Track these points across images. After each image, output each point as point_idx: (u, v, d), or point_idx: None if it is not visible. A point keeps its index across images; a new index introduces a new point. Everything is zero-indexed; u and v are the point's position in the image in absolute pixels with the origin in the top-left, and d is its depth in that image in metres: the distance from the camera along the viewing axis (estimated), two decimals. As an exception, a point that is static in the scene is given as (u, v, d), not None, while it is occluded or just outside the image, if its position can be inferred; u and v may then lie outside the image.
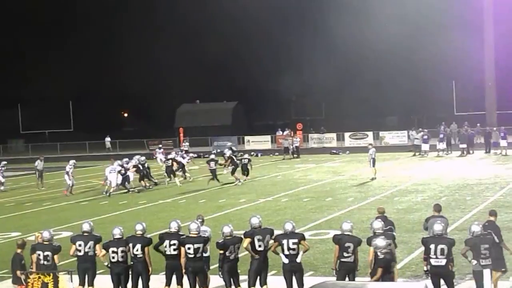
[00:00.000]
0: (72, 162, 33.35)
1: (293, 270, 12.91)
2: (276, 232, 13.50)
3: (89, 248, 13.45)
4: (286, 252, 12.89)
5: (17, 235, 21.41)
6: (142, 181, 33.29)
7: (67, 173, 32.69)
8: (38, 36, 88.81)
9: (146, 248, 13.19)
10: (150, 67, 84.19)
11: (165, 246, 13.19)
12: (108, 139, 63.46)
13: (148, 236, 13.65)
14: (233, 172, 33.59)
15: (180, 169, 35.59)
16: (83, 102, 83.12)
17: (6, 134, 76.70)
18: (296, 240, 12.94)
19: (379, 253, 12.09)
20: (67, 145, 65.39)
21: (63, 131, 74.37)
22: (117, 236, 13.33)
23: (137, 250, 13.18)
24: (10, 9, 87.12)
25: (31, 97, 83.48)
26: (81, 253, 13.45)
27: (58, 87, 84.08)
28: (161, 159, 42.02)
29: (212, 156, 34.33)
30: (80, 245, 13.46)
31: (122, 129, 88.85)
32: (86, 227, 13.72)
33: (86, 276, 13.41)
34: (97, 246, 13.55)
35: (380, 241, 12.19)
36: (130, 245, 13.23)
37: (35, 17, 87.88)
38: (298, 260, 12.91)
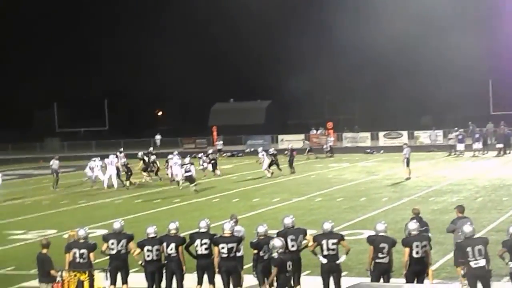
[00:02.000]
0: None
1: (331, 271, 12.82)
2: (310, 232, 13.44)
3: (122, 246, 13.53)
4: (326, 253, 12.80)
5: (52, 232, 21.64)
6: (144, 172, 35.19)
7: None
8: (73, 35, 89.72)
9: (179, 247, 13.22)
10: (185, 66, 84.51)
11: (196, 246, 13.21)
12: (158, 136, 63.15)
13: (181, 235, 13.67)
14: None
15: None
16: (118, 101, 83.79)
17: (42, 133, 77.69)
18: (335, 241, 12.85)
19: (275, 253, 12.13)
20: (102, 143, 65.91)
21: (98, 130, 75.07)
22: (152, 235, 13.36)
23: (171, 249, 13.20)
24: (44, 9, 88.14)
25: (67, 96, 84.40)
26: (114, 252, 13.51)
27: (94, 86, 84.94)
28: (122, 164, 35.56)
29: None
30: (112, 244, 13.53)
31: (157, 128, 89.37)
32: (117, 225, 13.81)
33: (119, 275, 13.48)
34: (130, 244, 13.62)
35: (277, 241, 12.26)
36: (164, 244, 13.25)
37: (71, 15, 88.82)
38: (339, 261, 12.84)
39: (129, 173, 34.07)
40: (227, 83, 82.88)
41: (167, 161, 35.44)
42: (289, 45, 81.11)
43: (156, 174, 36.34)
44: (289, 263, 12.22)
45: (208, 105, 78.31)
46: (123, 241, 13.56)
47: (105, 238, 13.71)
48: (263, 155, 36.39)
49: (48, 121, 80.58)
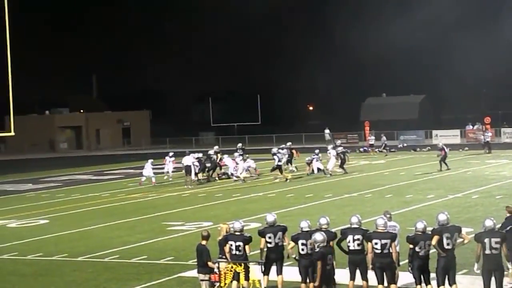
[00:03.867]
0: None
1: (493, 270, 12.33)
2: (465, 230, 13.07)
3: (278, 238, 13.73)
4: (488, 252, 12.32)
5: (208, 225, 22.30)
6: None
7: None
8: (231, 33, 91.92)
9: (331, 242, 13.24)
10: (335, 61, 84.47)
11: (348, 241, 13.17)
12: (327, 131, 63.01)
13: (333, 230, 13.69)
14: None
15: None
16: (270, 96, 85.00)
17: (198, 127, 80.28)
18: (499, 240, 12.36)
19: (316, 247, 12.63)
20: (255, 137, 67.11)
21: (251, 124, 76.55)
22: (306, 229, 13.48)
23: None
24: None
25: (222, 92, 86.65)
26: (272, 245, 13.70)
27: (247, 81, 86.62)
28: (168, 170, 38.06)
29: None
30: (270, 237, 13.73)
31: (307, 123, 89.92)
32: (271, 218, 13.97)
33: (274, 267, 13.69)
34: (285, 236, 13.81)
35: (319, 236, 12.70)
36: (315, 238, 13.34)
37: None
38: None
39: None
40: (379, 78, 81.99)
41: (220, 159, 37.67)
42: (444, 38, 79.10)
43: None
44: (329, 256, 12.60)
45: (360, 100, 77.81)
46: (279, 234, 13.76)
47: (262, 233, 13.88)
48: (330, 153, 36.58)
49: (204, 116, 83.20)
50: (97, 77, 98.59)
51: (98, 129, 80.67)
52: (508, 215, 13.86)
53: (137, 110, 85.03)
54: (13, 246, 20.69)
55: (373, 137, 53.27)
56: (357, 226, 13.34)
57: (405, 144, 55.53)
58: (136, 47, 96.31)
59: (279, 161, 34.66)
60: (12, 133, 29.65)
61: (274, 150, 35.96)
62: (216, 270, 12.76)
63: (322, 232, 12.85)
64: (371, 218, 18.40)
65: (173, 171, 38.37)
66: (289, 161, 38.95)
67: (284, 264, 13.95)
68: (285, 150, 37.99)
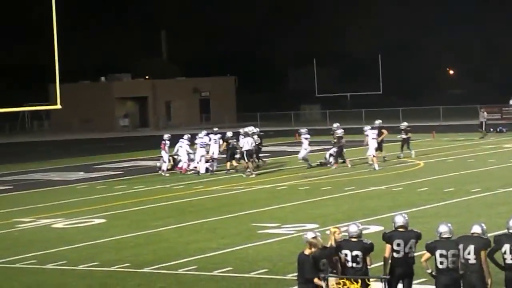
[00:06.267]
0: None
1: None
2: None
3: (410, 248, 13.54)
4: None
5: (313, 227, 22.23)
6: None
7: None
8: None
9: (482, 253, 12.98)
10: (488, 11, 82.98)
11: (504, 252, 12.94)
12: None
13: (486, 237, 13.39)
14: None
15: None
16: (396, 58, 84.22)
17: (299, 99, 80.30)
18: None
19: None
20: (374, 112, 66.56)
21: (370, 94, 76.08)
22: (446, 235, 13.23)
23: (468, 254, 13.01)
24: None
25: (330, 53, 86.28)
26: (400, 255, 13.54)
27: (365, 38, 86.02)
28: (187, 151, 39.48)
29: None
30: (399, 245, 13.56)
31: (447, 92, 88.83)
32: (400, 220, 13.81)
33: (401, 285, 13.57)
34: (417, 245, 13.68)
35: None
36: (461, 246, 13.09)
37: None
38: None
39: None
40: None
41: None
42: None
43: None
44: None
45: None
46: (412, 241, 13.58)
47: (389, 238, 13.74)
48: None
49: (306, 84, 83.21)
50: (167, 33, 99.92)
51: (168, 100, 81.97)
52: None
53: (218, 76, 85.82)
54: (60, 253, 21.18)
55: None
56: (517, 232, 13.06)
57: None
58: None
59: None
60: (59, 106, 30.26)
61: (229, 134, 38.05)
62: (323, 287, 12.71)
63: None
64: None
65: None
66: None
67: (414, 281, 13.78)
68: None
